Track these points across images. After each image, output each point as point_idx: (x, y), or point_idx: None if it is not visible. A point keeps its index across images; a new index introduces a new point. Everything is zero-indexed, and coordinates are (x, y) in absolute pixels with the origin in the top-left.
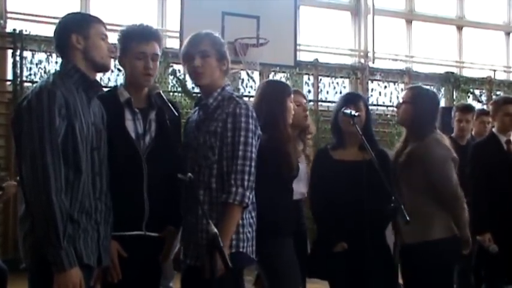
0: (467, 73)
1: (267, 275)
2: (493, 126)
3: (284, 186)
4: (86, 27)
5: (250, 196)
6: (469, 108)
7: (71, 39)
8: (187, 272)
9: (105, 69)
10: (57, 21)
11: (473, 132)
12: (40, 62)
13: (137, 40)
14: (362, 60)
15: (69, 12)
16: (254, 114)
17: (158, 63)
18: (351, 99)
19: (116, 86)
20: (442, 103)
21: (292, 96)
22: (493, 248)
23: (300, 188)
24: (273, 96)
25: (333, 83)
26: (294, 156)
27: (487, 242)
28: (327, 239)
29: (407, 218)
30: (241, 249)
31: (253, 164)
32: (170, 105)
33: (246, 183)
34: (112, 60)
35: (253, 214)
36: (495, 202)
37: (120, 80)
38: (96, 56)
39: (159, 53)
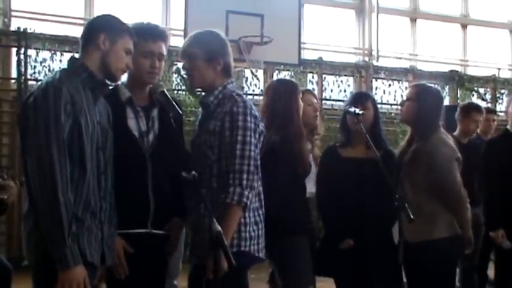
0: (471, 71)
1: (280, 273)
2: (501, 125)
3: (298, 184)
4: (117, 34)
5: (250, 195)
6: (482, 109)
7: (98, 37)
8: (193, 270)
9: (113, 80)
10: (61, 19)
11: (478, 131)
12: (44, 60)
13: (145, 38)
14: (366, 59)
15: (111, 14)
16: (253, 111)
17: (163, 63)
18: (358, 99)
19: (116, 85)
20: (446, 101)
21: (301, 93)
22: (506, 244)
23: (308, 187)
24: (288, 94)
25: (337, 81)
26: (307, 153)
27: (500, 238)
28: (333, 237)
29: (412, 217)
30: (242, 249)
31: (252, 162)
32: (174, 103)
33: (244, 182)
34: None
35: (260, 212)
36: (508, 199)
37: (124, 78)
38: (112, 64)
39: (165, 54)
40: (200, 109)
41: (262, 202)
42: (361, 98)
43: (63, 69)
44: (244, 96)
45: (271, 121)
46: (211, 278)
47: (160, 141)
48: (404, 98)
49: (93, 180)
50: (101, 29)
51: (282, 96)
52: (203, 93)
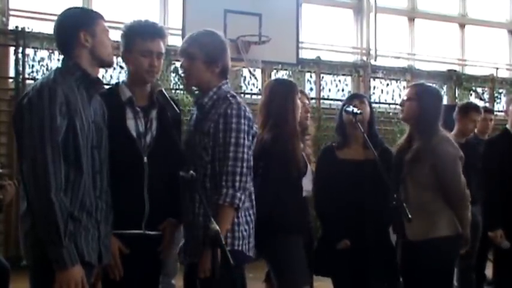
0: (469, 71)
1: (275, 272)
2: (498, 124)
3: (292, 184)
4: (92, 24)
5: (242, 197)
6: (481, 109)
7: (79, 37)
8: (188, 269)
9: (110, 65)
10: None
11: (476, 130)
12: (42, 59)
13: (143, 37)
14: (364, 58)
15: (70, 7)
16: (247, 113)
17: (162, 61)
18: (354, 99)
19: (117, 83)
20: (444, 101)
21: (299, 94)
22: (505, 244)
23: (305, 186)
24: (284, 94)
25: (335, 80)
26: (301, 153)
27: (498, 238)
28: (330, 237)
29: (409, 217)
30: (236, 247)
31: (245, 164)
32: (172, 103)
33: (237, 184)
34: (114, 57)
35: (251, 211)
36: (507, 199)
37: (122, 77)
38: (103, 53)
39: (164, 51)
40: (194, 109)
41: (253, 202)
42: (357, 98)
43: (57, 68)
44: (239, 97)
45: (265, 120)
46: (205, 276)
47: (158, 142)
48: (404, 97)
49: (89, 180)
50: (76, 28)
51: (277, 96)
52: (198, 92)
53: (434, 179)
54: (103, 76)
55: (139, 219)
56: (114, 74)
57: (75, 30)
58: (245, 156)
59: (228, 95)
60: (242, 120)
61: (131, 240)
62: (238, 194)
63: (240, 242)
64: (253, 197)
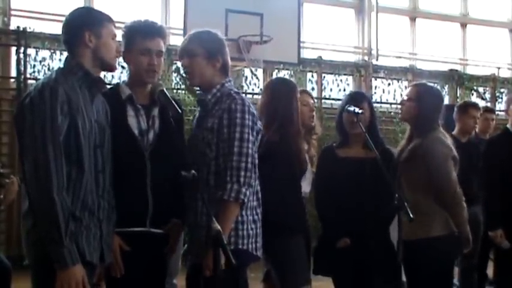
0: (471, 71)
1: (277, 272)
2: (499, 124)
3: (293, 184)
4: (99, 26)
5: (247, 192)
6: (479, 106)
7: (83, 36)
8: (191, 269)
9: (111, 69)
10: (61, 18)
11: (477, 130)
12: (44, 59)
13: (142, 36)
14: (366, 58)
15: (81, 7)
16: (251, 109)
17: (162, 60)
18: (354, 99)
19: (117, 84)
20: (446, 101)
21: (299, 93)
22: (505, 244)
23: (303, 187)
24: (288, 94)
25: (336, 80)
26: (304, 153)
27: (498, 238)
28: (331, 236)
29: (412, 216)
30: (240, 246)
31: (249, 160)
32: (174, 102)
33: (242, 179)
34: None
35: (258, 210)
36: (508, 198)
37: (124, 77)
38: (105, 56)
39: (164, 50)
40: (198, 107)
41: (260, 201)
42: (358, 98)
43: (59, 68)
44: (243, 94)
45: (270, 121)
46: (209, 275)
47: (161, 140)
48: (404, 97)
49: (91, 179)
50: (82, 26)
51: (282, 96)
52: (200, 92)
53: (426, 179)
54: (105, 76)
55: (143, 217)
56: (116, 74)
57: (80, 29)
58: (249, 151)
59: (232, 92)
60: (246, 116)
61: (136, 238)
62: (243, 190)
63: (244, 240)
64: (259, 195)
